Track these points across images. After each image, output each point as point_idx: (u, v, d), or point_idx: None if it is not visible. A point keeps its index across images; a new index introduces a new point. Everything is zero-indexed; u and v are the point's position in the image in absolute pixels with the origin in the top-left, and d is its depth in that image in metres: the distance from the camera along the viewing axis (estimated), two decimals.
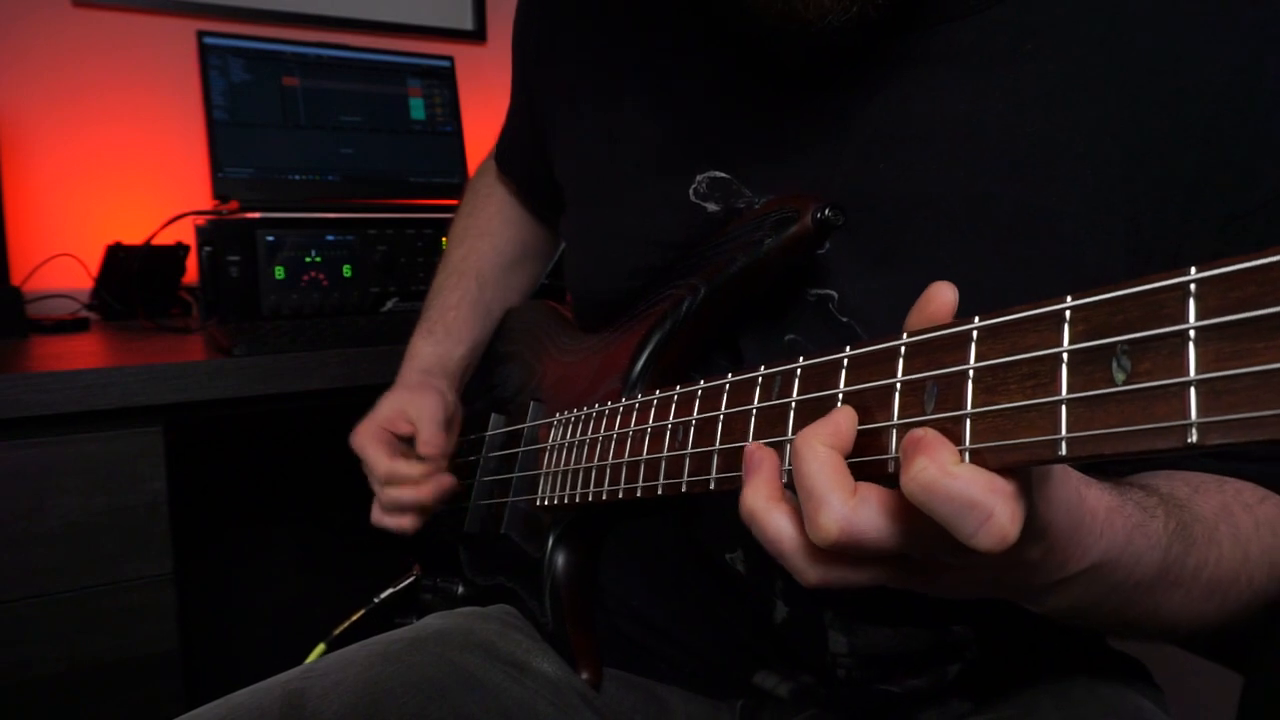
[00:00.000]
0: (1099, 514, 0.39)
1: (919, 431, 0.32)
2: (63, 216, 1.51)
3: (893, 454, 0.34)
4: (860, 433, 0.35)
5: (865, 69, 0.56)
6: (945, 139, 0.53)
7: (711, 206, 0.61)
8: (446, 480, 0.78)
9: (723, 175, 0.60)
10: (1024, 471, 0.31)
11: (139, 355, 1.06)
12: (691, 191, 0.61)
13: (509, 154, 0.91)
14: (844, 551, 0.35)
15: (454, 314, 0.87)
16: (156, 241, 1.35)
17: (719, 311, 0.59)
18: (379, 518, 0.80)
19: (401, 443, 0.80)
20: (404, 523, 0.79)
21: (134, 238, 1.39)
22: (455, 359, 0.86)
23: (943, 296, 0.36)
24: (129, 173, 1.55)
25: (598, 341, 0.69)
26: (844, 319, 0.55)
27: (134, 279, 1.36)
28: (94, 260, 1.42)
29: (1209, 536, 0.46)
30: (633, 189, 0.65)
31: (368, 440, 0.79)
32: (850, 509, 0.33)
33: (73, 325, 1.32)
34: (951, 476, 0.30)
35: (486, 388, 0.85)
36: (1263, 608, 0.51)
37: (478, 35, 1.86)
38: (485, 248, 0.91)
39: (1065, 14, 0.52)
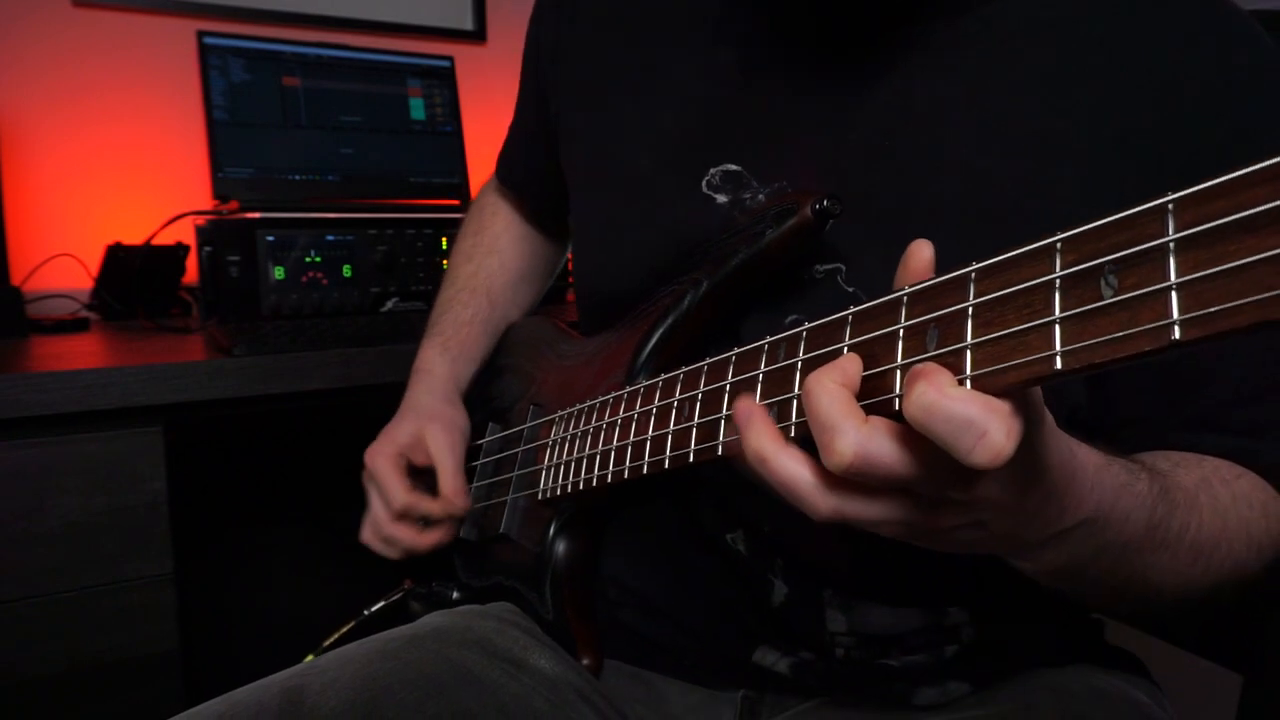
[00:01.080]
0: (1089, 469, 0.41)
1: (920, 365, 0.34)
2: (63, 216, 1.51)
3: (898, 392, 0.36)
4: (867, 377, 0.37)
5: (870, 58, 0.58)
6: (946, 122, 0.56)
7: (721, 198, 0.62)
8: (448, 534, 0.79)
9: (734, 168, 0.62)
10: (1020, 395, 0.33)
11: (139, 355, 1.06)
12: (704, 184, 0.62)
13: (511, 164, 0.92)
14: (857, 479, 0.36)
15: (468, 330, 0.87)
16: (156, 241, 1.35)
17: (722, 304, 0.60)
18: (369, 539, 0.80)
19: (413, 470, 0.80)
20: (391, 554, 0.79)
21: (134, 238, 1.39)
22: (468, 378, 0.86)
23: (921, 253, 0.39)
24: (129, 173, 1.55)
25: (599, 343, 0.69)
26: (850, 289, 0.57)
27: (134, 279, 1.36)
28: (94, 260, 1.42)
29: (1190, 503, 0.48)
30: (647, 182, 0.66)
31: (384, 464, 0.78)
32: (864, 435, 0.35)
33: (73, 325, 1.32)
34: (948, 397, 0.32)
35: (484, 400, 0.85)
36: (1244, 581, 0.52)
37: (478, 35, 1.86)
38: (494, 265, 0.91)
39: (1059, 14, 0.55)
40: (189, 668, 1.07)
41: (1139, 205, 0.29)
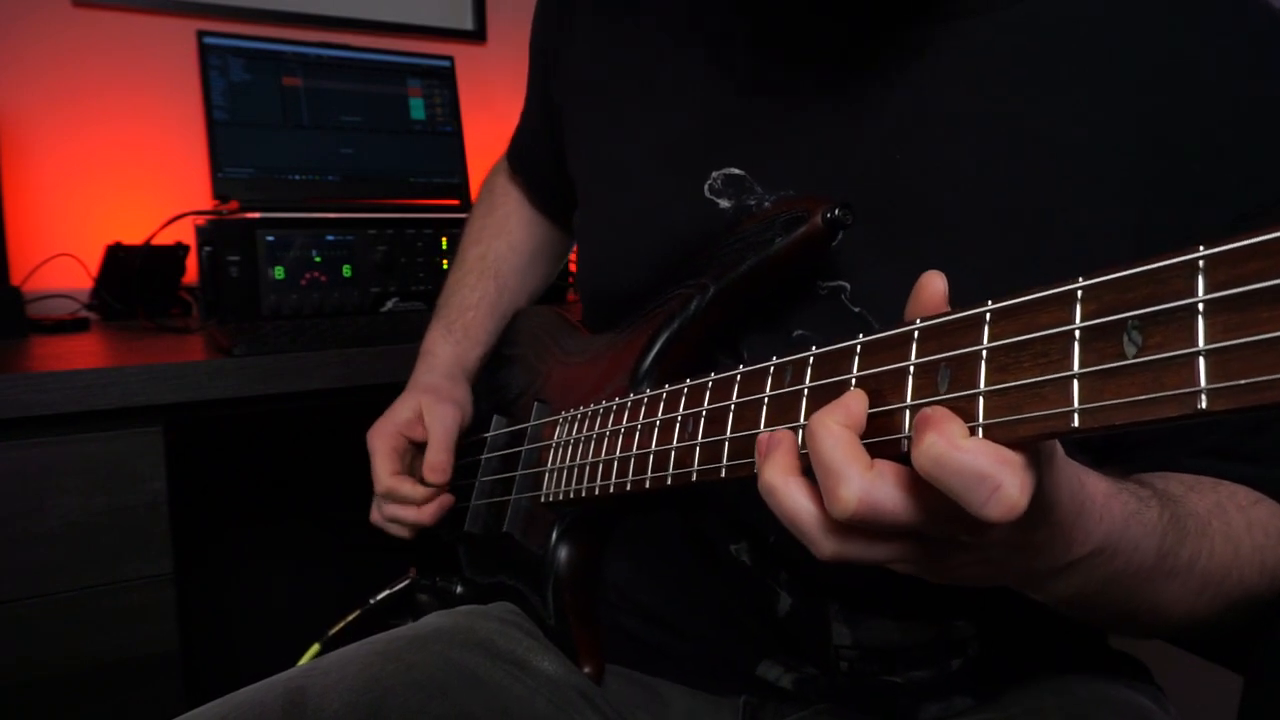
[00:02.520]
0: (1097, 499, 0.40)
1: (929, 409, 0.33)
2: (63, 216, 1.51)
3: (906, 433, 0.35)
4: (874, 415, 0.36)
5: (881, 63, 0.57)
6: (958, 132, 0.54)
7: (724, 203, 0.61)
8: (448, 501, 0.79)
9: (738, 172, 0.61)
10: (1032, 446, 0.32)
11: (139, 355, 1.06)
12: (706, 187, 0.62)
13: (521, 153, 0.92)
14: (862, 525, 0.35)
15: (473, 314, 0.87)
16: (156, 241, 1.35)
17: (727, 310, 0.59)
18: (377, 520, 0.81)
19: (413, 447, 0.81)
20: (401, 533, 0.80)
21: (134, 238, 1.39)
22: (473, 360, 0.87)
23: (933, 285, 0.37)
24: (129, 173, 1.55)
25: (604, 343, 0.69)
26: (856, 309, 0.56)
27: (134, 279, 1.36)
28: (94, 260, 1.42)
29: (1201, 530, 0.47)
30: (648, 183, 0.65)
31: (380, 445, 0.80)
32: (869, 481, 0.34)
33: (73, 325, 1.32)
34: (960, 449, 0.31)
35: (490, 390, 0.85)
36: (1254, 607, 0.51)
37: (478, 35, 1.86)
38: (502, 247, 0.91)
39: (1076, 16, 0.53)
40: (189, 668, 1.07)
41: (1167, 256, 0.27)
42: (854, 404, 0.37)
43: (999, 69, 0.54)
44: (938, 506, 0.34)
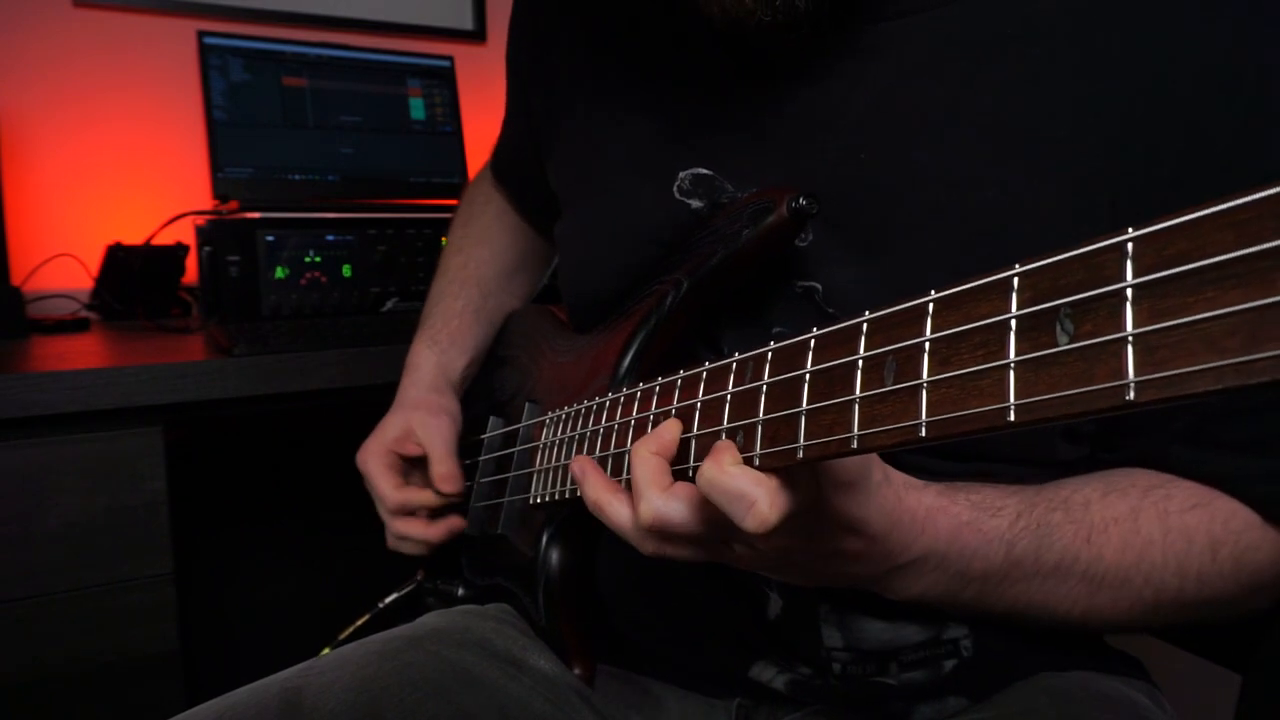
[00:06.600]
0: (918, 514, 0.46)
1: (718, 443, 0.40)
2: (63, 216, 1.51)
3: (855, 432, 0.35)
4: (824, 409, 0.37)
5: (847, 60, 0.56)
6: (927, 127, 0.53)
7: (696, 203, 0.61)
8: (458, 524, 0.79)
9: (706, 171, 0.61)
10: (793, 471, 0.39)
11: (139, 355, 1.06)
12: (675, 189, 0.62)
13: (503, 163, 0.92)
14: (662, 533, 0.44)
15: (457, 323, 0.87)
16: (156, 241, 1.35)
17: (703, 304, 0.60)
18: (390, 544, 0.81)
19: (407, 463, 0.80)
20: (413, 550, 0.80)
21: (134, 238, 1.39)
22: (459, 369, 0.86)
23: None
24: (129, 173, 1.55)
25: (589, 341, 0.69)
26: (830, 310, 0.56)
27: (134, 279, 1.36)
28: (94, 260, 1.42)
29: (1084, 537, 0.50)
30: (619, 189, 0.66)
31: (375, 465, 0.79)
32: (661, 501, 0.42)
33: (73, 325, 1.32)
34: (726, 474, 0.38)
35: (486, 391, 0.85)
36: (1189, 608, 0.53)
37: (478, 35, 1.86)
38: (485, 255, 0.91)
39: (1046, 5, 0.52)
40: (189, 668, 1.07)
41: (1103, 239, 0.26)
42: (666, 433, 0.45)
43: (967, 60, 0.53)
44: (715, 520, 0.41)
